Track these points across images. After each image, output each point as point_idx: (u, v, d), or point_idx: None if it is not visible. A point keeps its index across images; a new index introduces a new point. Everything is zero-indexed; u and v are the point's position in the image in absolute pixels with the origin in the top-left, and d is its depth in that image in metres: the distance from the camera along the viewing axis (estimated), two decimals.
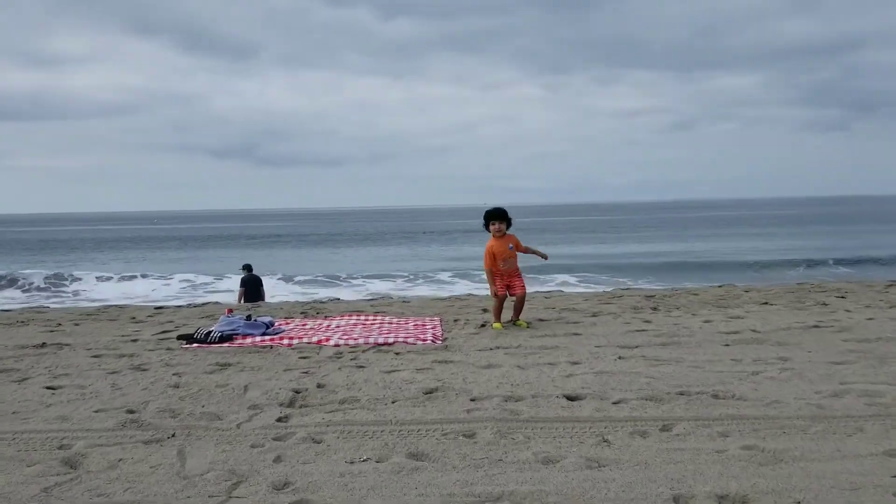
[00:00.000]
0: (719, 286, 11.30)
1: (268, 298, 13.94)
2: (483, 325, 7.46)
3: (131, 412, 4.44)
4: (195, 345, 6.46)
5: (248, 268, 14.49)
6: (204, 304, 10.50)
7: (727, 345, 6.28)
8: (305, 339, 6.59)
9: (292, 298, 14.34)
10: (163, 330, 7.50)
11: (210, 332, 6.64)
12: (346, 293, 20.54)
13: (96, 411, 4.46)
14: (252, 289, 14.04)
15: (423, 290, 22.11)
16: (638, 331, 6.97)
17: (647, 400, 4.53)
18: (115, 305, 10.30)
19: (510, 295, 7.51)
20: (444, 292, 16.93)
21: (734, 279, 16.75)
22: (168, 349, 6.38)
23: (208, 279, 27.23)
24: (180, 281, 27.13)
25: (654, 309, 8.41)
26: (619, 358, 5.77)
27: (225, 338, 6.60)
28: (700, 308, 8.45)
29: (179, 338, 6.77)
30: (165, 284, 26.54)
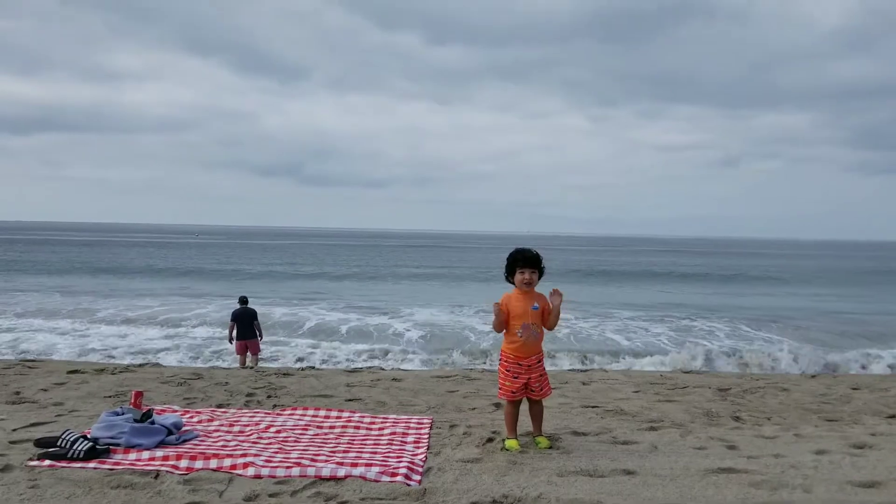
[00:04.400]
0: (812, 376, 8.78)
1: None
2: (490, 440, 5.14)
3: None
4: (47, 462, 4.29)
5: (242, 300, 12.68)
6: (142, 365, 8.31)
7: None
8: (214, 463, 4.36)
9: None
10: (36, 422, 5.32)
11: (77, 439, 4.45)
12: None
13: None
14: (243, 324, 12.22)
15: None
16: (722, 470, 4.58)
17: None
18: (27, 363, 8.08)
19: (527, 397, 5.16)
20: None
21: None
22: (5, 469, 4.21)
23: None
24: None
25: (737, 419, 5.99)
26: None
27: (98, 452, 4.41)
28: (800, 420, 6.01)
29: (37, 444, 4.61)
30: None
